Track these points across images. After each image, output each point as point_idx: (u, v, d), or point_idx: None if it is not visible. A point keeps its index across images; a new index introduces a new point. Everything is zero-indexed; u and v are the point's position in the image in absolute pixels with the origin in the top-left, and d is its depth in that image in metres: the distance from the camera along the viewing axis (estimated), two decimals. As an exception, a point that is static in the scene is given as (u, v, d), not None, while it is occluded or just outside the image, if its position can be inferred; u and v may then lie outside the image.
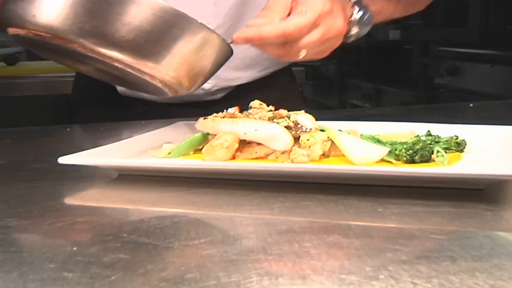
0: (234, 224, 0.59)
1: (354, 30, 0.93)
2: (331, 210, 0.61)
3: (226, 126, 0.80)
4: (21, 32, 0.77)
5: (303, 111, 0.84)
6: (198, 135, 0.85)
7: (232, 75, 1.24)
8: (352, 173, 0.69)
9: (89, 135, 1.22)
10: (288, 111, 0.83)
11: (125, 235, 0.56)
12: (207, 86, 1.22)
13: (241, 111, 0.86)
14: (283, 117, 0.80)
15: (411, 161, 0.73)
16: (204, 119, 0.85)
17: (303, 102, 1.47)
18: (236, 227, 0.58)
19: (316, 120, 0.83)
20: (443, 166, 0.72)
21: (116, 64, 0.76)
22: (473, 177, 0.65)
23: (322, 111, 1.44)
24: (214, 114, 0.85)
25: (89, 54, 0.75)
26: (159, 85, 0.80)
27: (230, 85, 1.26)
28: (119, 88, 1.26)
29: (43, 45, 0.79)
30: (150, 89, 0.85)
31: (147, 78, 0.79)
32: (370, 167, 0.72)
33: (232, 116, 0.83)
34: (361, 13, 0.92)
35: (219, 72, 1.14)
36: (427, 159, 0.73)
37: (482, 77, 2.85)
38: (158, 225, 0.59)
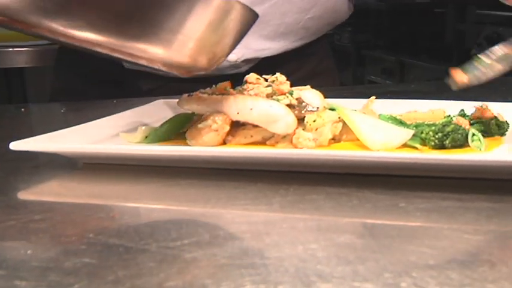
0: (225, 222, 0.59)
1: None
2: (343, 206, 0.62)
3: (216, 104, 0.81)
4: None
5: (308, 86, 0.84)
6: (180, 115, 0.85)
7: (263, 45, 1.28)
8: (369, 160, 0.69)
9: (49, 117, 1.23)
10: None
11: (91, 235, 0.56)
12: (232, 57, 1.25)
13: (233, 87, 0.86)
14: (285, 94, 0.80)
15: (441, 146, 0.73)
16: (189, 95, 0.85)
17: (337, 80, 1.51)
18: (227, 226, 0.58)
19: (326, 98, 0.83)
20: (479, 152, 0.72)
21: (99, 49, 0.75)
22: (515, 166, 0.66)
23: (332, 88, 1.44)
24: (201, 90, 0.85)
25: (63, 40, 0.74)
26: (164, 69, 0.79)
27: (258, 56, 1.29)
28: None
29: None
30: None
31: (143, 62, 0.78)
32: (390, 153, 0.72)
33: (223, 92, 0.83)
34: None
35: (247, 40, 1.09)
36: (460, 144, 0.74)
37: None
38: (132, 224, 0.59)
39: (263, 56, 1.29)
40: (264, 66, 1.27)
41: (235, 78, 1.24)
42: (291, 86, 0.85)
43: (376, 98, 0.91)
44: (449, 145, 0.73)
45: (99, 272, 0.49)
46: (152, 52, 0.75)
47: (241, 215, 0.61)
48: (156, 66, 0.78)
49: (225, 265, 0.49)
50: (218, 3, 0.76)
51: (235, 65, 1.26)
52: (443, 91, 1.40)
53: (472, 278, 0.46)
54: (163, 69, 0.78)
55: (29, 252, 0.53)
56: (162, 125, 0.84)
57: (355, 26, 4.57)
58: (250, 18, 0.82)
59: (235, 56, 1.25)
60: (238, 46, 1.19)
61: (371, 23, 4.53)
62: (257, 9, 1.21)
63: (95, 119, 0.91)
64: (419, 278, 0.46)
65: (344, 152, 0.73)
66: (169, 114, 0.91)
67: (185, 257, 0.51)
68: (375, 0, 4.42)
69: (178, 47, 0.76)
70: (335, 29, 4.85)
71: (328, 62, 1.46)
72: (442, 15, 3.87)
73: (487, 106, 0.81)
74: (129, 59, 0.76)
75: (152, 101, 1.02)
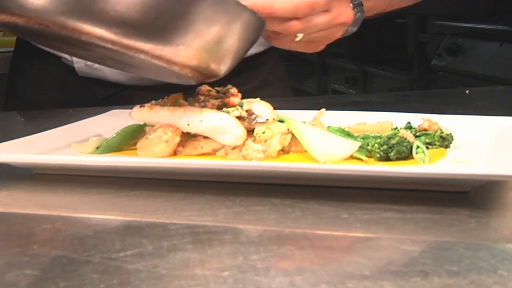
0: (169, 233, 0.60)
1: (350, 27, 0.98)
2: (287, 217, 0.63)
3: (166, 115, 0.81)
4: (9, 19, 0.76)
5: (258, 98, 0.85)
6: (132, 126, 0.85)
7: None
8: (315, 172, 0.70)
9: (4, 125, 1.22)
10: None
11: (35, 247, 0.57)
12: None
13: (185, 99, 0.87)
14: (235, 106, 0.81)
15: (386, 158, 0.75)
16: (141, 106, 0.85)
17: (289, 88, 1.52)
18: (171, 237, 0.59)
19: (277, 108, 0.84)
20: (423, 164, 0.74)
21: (123, 51, 0.76)
22: (457, 178, 0.67)
23: (291, 99, 1.46)
24: (153, 102, 0.86)
25: (85, 39, 0.74)
26: (181, 71, 0.79)
27: None
28: (77, 66, 1.27)
29: (38, 32, 0.78)
30: (169, 76, 0.84)
31: (163, 64, 0.78)
32: (336, 165, 0.73)
33: (174, 104, 0.84)
34: (358, 13, 0.98)
35: None
36: (404, 156, 0.75)
37: (489, 57, 2.89)
38: (77, 235, 0.59)
39: None
40: None
41: (189, 88, 1.25)
42: (244, 96, 0.86)
43: (336, 110, 0.93)
44: (394, 157, 0.75)
45: (40, 284, 0.49)
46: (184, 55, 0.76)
47: (186, 226, 0.61)
48: (184, 72, 0.79)
49: (165, 276, 0.50)
50: (233, 9, 0.78)
51: None
52: (404, 101, 1.43)
53: (404, 289, 0.47)
54: (181, 72, 0.79)
55: (-29, 263, 0.53)
56: (113, 136, 0.85)
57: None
58: (259, 25, 0.83)
59: None
60: None
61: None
62: None
63: (50, 128, 0.91)
64: (354, 289, 0.47)
65: (291, 164, 0.74)
66: (123, 124, 0.91)
67: (127, 268, 0.52)
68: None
69: (209, 53, 0.77)
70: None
71: (279, 71, 1.47)
72: (403, 25, 3.91)
73: (429, 119, 0.83)
74: (163, 64, 0.77)
75: (107, 110, 1.02)
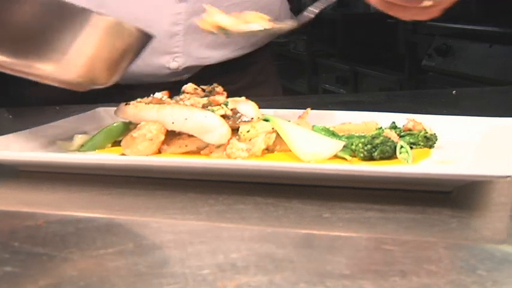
0: (151, 231, 0.60)
1: None
2: (269, 216, 0.63)
3: (151, 113, 0.81)
4: None
5: (243, 97, 0.85)
6: (117, 124, 0.85)
7: (204, 53, 1.29)
8: (298, 171, 0.70)
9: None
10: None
11: (16, 244, 0.57)
12: (173, 65, 1.26)
13: (170, 97, 0.87)
14: (220, 105, 0.81)
15: (369, 157, 0.75)
16: (126, 104, 0.85)
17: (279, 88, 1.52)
18: (152, 235, 0.59)
19: (265, 107, 0.84)
20: (406, 164, 0.74)
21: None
22: (440, 178, 0.67)
23: (279, 98, 1.46)
24: (138, 100, 0.86)
25: None
26: (55, 84, 0.84)
27: (199, 64, 1.30)
28: None
29: None
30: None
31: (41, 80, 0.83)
32: (320, 164, 0.73)
33: (159, 102, 0.84)
34: None
35: (189, 49, 1.20)
36: (388, 155, 0.75)
37: (478, 58, 2.90)
38: (59, 232, 0.59)
39: (204, 64, 1.30)
40: (207, 74, 1.28)
41: (176, 86, 1.25)
42: (233, 95, 0.86)
43: (325, 109, 0.93)
44: (378, 157, 0.75)
45: (20, 281, 0.49)
46: (43, 69, 0.81)
47: (167, 224, 0.62)
48: (47, 82, 0.83)
49: (145, 274, 0.50)
50: (109, 25, 0.82)
51: (176, 73, 1.27)
52: (394, 101, 1.43)
53: (383, 287, 0.47)
54: (55, 84, 0.84)
55: (-49, 260, 0.53)
56: (98, 134, 0.84)
57: (310, 34, 4.60)
58: (144, 39, 0.87)
59: (177, 63, 1.26)
60: (180, 54, 1.20)
61: (326, 32, 4.56)
62: (199, 18, 1.22)
63: (36, 125, 0.91)
64: (333, 287, 0.47)
65: (275, 163, 0.74)
66: (108, 122, 0.91)
67: (107, 266, 0.52)
68: (330, 10, 4.46)
69: (67, 65, 0.81)
70: (291, 37, 4.81)
71: (269, 71, 1.47)
72: (394, 26, 3.91)
73: (413, 119, 0.83)
74: (21, 75, 0.82)
75: (92, 108, 1.02)
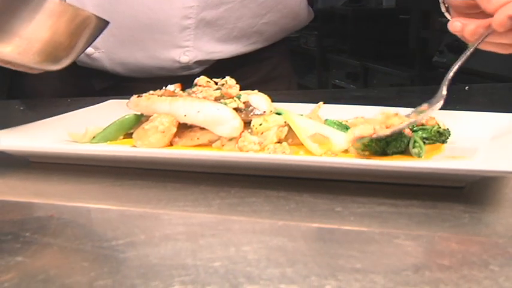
0: (162, 223, 0.60)
1: None
2: (280, 209, 0.63)
3: (164, 106, 0.81)
4: None
5: (256, 90, 0.85)
6: (129, 116, 0.85)
7: (215, 47, 1.28)
8: (310, 164, 0.70)
9: (5, 114, 1.22)
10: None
11: (27, 234, 0.56)
12: (184, 58, 1.26)
13: (183, 90, 0.87)
14: (232, 97, 0.81)
15: (382, 152, 0.74)
16: (138, 97, 0.85)
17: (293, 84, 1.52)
18: (163, 227, 0.59)
19: (276, 101, 0.84)
20: (419, 159, 0.74)
21: None
22: (452, 173, 0.67)
23: (290, 92, 1.45)
24: (151, 92, 0.86)
25: None
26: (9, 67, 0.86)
27: (210, 58, 1.30)
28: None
29: None
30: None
31: None
32: (332, 158, 0.73)
33: (172, 95, 0.83)
34: None
35: (200, 42, 1.22)
36: (401, 150, 0.75)
37: (490, 55, 2.88)
38: (70, 223, 0.59)
39: (215, 58, 1.29)
40: (219, 69, 1.28)
41: (188, 79, 1.25)
42: (245, 89, 0.85)
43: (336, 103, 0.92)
44: (391, 152, 0.74)
45: (30, 271, 0.49)
46: None
47: (179, 217, 0.61)
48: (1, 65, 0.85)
49: (156, 265, 0.50)
50: (63, 10, 0.84)
51: (187, 67, 1.27)
52: (403, 97, 1.42)
53: (395, 282, 0.47)
54: (8, 67, 0.86)
55: (-37, 249, 0.53)
56: (110, 126, 0.84)
57: (321, 30, 4.59)
58: (100, 25, 0.90)
59: (188, 57, 1.26)
60: (191, 48, 1.19)
61: (337, 28, 4.55)
62: (212, 13, 1.22)
63: (48, 117, 0.91)
64: (345, 281, 0.47)
65: (287, 156, 0.74)
66: (120, 114, 0.91)
67: (118, 257, 0.52)
68: (341, 5, 4.45)
69: (22, 49, 0.83)
70: (302, 32, 4.81)
71: (284, 67, 1.47)
72: (406, 21, 3.90)
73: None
74: None
75: (104, 100, 1.02)
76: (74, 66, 1.28)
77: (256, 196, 0.66)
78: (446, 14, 0.91)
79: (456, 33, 0.86)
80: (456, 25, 0.84)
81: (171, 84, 0.89)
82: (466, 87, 1.32)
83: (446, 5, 0.91)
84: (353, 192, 0.66)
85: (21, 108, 1.20)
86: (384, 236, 0.56)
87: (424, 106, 0.79)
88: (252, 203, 0.64)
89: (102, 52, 1.25)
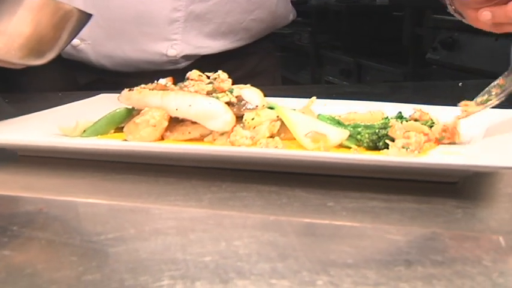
0: (152, 218, 0.59)
1: None
2: (272, 204, 0.62)
3: (155, 100, 0.80)
4: None
5: (249, 85, 0.84)
6: (120, 110, 0.84)
7: (203, 42, 1.29)
8: (302, 159, 0.69)
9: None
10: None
11: (15, 228, 0.56)
12: (172, 52, 1.26)
13: (175, 83, 0.86)
14: (225, 92, 0.80)
15: (374, 147, 0.74)
16: (129, 90, 0.85)
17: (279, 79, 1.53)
18: (154, 221, 0.58)
19: (268, 96, 0.84)
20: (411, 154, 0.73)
21: None
22: (445, 168, 0.66)
23: (283, 87, 1.45)
24: (142, 86, 0.85)
25: None
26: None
27: (198, 53, 1.30)
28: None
29: None
30: None
31: None
32: (324, 153, 0.72)
33: (163, 88, 0.83)
34: None
35: (188, 37, 1.22)
36: (393, 145, 0.74)
37: (484, 52, 2.89)
38: (59, 217, 0.59)
39: (202, 53, 1.30)
40: (204, 63, 1.28)
41: (174, 74, 1.25)
42: (231, 84, 0.85)
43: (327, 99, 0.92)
44: (383, 146, 0.74)
45: (18, 265, 0.49)
46: None
47: (169, 211, 0.61)
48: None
49: (146, 260, 0.49)
50: (44, 4, 0.84)
51: (174, 61, 1.27)
52: (397, 93, 1.42)
53: (387, 277, 0.47)
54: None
55: (-50, 243, 0.53)
56: (100, 119, 0.84)
57: (315, 26, 4.59)
58: (83, 18, 0.90)
59: (175, 51, 1.26)
60: (178, 42, 1.19)
61: (330, 24, 4.55)
62: (201, 6, 1.22)
63: (38, 111, 0.90)
64: (336, 277, 0.47)
65: (279, 151, 0.73)
66: (111, 108, 0.90)
67: (107, 251, 0.51)
68: (335, 2, 4.44)
69: (3, 44, 0.83)
70: (295, 28, 4.80)
71: (269, 62, 1.47)
72: (400, 18, 3.90)
73: (420, 109, 0.82)
74: None
75: (95, 94, 1.01)
76: (58, 59, 1.27)
77: (247, 191, 0.65)
78: (456, 15, 0.92)
79: (486, 23, 0.88)
80: (486, 14, 0.86)
81: (156, 78, 0.88)
82: (460, 84, 1.32)
83: (453, 7, 0.91)
84: (345, 187, 0.66)
85: (6, 100, 1.19)
86: (376, 231, 0.56)
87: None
88: (243, 197, 0.64)
89: (88, 44, 1.25)
